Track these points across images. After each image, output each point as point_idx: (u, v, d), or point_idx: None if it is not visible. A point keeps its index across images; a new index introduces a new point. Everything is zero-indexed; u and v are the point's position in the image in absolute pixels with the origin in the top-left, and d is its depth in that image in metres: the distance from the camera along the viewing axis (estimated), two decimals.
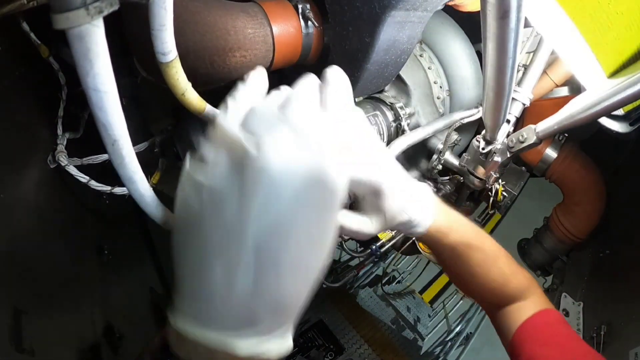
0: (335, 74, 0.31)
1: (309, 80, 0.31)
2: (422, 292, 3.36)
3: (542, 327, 0.63)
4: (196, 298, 0.27)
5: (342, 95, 0.31)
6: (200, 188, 0.26)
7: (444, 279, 3.59)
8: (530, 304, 0.66)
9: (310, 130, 0.25)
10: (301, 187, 0.24)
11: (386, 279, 2.77)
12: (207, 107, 0.48)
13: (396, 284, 2.93)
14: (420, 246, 1.36)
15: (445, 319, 2.94)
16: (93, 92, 0.29)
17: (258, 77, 0.32)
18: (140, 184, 0.37)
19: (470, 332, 2.70)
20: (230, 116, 0.27)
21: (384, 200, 0.43)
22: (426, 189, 0.49)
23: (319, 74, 0.33)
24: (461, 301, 3.11)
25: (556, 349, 0.61)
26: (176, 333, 0.28)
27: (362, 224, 0.46)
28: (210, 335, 0.26)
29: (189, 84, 0.43)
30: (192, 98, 0.45)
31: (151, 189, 0.39)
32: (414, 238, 1.34)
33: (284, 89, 0.31)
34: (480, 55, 0.66)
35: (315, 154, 0.24)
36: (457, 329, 2.70)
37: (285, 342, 0.29)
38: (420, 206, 0.47)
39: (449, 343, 2.61)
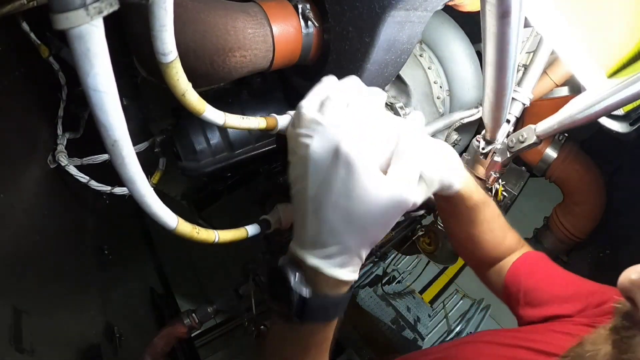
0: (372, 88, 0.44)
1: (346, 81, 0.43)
2: (422, 292, 3.35)
3: (532, 264, 0.67)
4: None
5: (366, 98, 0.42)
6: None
7: (444, 279, 3.58)
8: (518, 253, 0.68)
9: (335, 125, 0.38)
10: (328, 159, 0.37)
11: (386, 279, 2.77)
12: (207, 108, 0.48)
13: (396, 284, 2.93)
14: (421, 246, 1.36)
15: (445, 319, 2.94)
16: (93, 92, 0.29)
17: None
18: (140, 184, 0.37)
19: (470, 332, 2.69)
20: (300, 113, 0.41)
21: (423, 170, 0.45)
22: (451, 148, 0.50)
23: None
24: (461, 301, 3.10)
25: (551, 276, 0.64)
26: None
27: None
28: (294, 247, 0.41)
29: (190, 85, 0.43)
30: (193, 99, 0.45)
31: (152, 189, 0.39)
32: (413, 238, 1.34)
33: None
34: (480, 55, 0.66)
35: (334, 140, 0.37)
36: (457, 329, 2.70)
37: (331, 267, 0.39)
38: (453, 167, 0.48)
39: None
